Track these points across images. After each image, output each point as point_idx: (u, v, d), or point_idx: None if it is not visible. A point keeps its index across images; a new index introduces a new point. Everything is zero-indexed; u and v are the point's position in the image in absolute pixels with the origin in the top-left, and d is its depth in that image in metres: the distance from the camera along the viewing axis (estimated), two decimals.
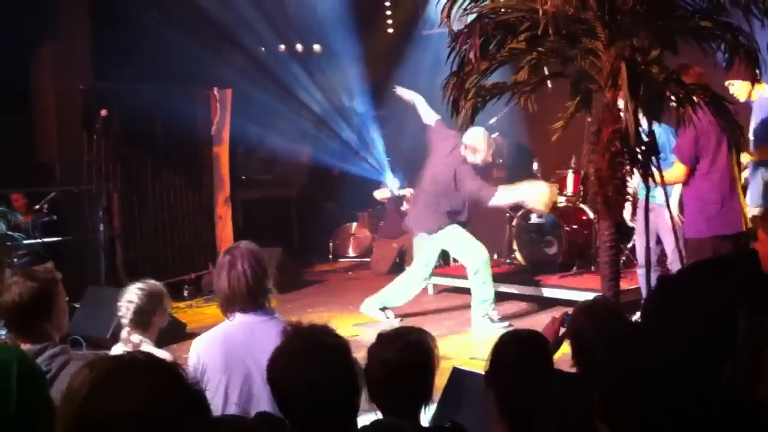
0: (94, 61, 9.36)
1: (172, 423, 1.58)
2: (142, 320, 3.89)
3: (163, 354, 3.69)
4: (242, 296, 3.54)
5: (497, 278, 8.88)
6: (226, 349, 3.53)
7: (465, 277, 9.17)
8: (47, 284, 3.40)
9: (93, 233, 8.47)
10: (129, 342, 3.86)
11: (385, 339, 2.79)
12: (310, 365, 2.34)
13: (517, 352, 2.75)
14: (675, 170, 5.71)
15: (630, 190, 5.29)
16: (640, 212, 6.14)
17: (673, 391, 1.57)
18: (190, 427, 1.61)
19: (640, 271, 6.70)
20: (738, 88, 5.91)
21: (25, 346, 3.23)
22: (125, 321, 3.90)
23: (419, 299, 8.19)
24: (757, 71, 4.37)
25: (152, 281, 4.07)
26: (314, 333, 2.49)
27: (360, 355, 2.57)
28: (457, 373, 4.13)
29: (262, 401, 3.32)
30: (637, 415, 1.59)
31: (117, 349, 3.83)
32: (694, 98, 4.26)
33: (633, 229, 7.24)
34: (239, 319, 3.55)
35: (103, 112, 8.48)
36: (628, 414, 1.61)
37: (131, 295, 3.91)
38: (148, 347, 3.85)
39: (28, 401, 2.15)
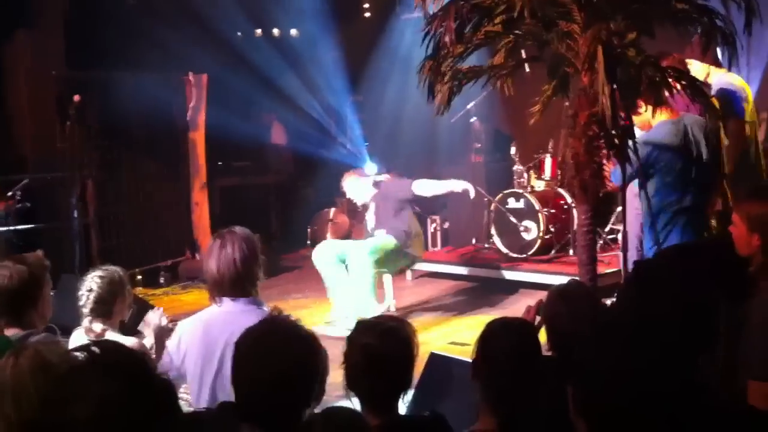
0: (68, 48, 9.23)
1: (136, 420, 1.55)
2: (102, 309, 3.76)
3: (129, 341, 3.65)
4: (230, 281, 3.48)
5: (477, 263, 8.92)
6: (205, 337, 3.48)
7: (443, 262, 9.23)
8: (37, 270, 3.38)
9: (67, 221, 8.37)
10: (91, 331, 3.73)
11: (365, 326, 2.76)
12: (276, 356, 2.32)
13: (508, 341, 2.69)
14: None
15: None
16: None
17: (652, 385, 1.54)
18: (154, 424, 1.58)
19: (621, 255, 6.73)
20: (697, 70, 5.91)
21: (10, 332, 3.19)
22: (86, 310, 3.77)
23: (397, 285, 8.16)
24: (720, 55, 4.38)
25: (113, 267, 3.92)
26: (285, 324, 2.46)
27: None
28: (435, 359, 4.10)
29: (233, 393, 3.28)
30: (614, 409, 1.56)
31: (78, 338, 3.73)
32: (671, 81, 4.24)
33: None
34: (225, 306, 3.50)
35: (77, 98, 8.35)
36: (606, 408, 1.58)
37: (91, 283, 3.78)
38: (112, 335, 3.74)
39: None
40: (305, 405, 2.35)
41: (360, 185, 7.78)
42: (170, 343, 3.61)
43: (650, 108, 4.71)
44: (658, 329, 1.86)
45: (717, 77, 6.09)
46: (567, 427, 1.77)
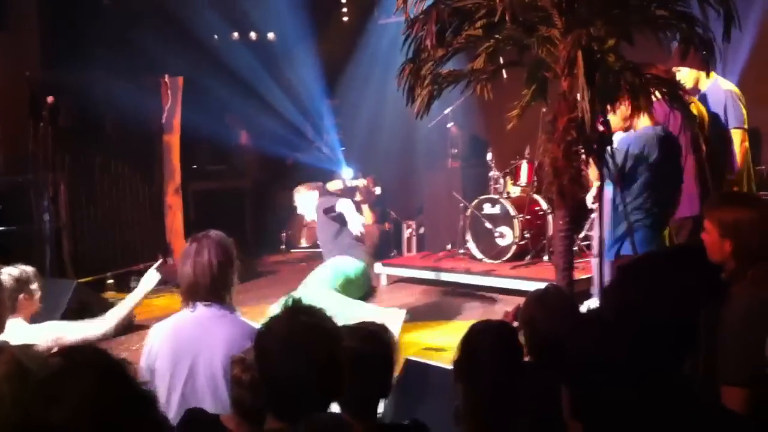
0: (42, 49, 9.13)
1: (112, 426, 1.51)
2: None
3: (37, 330, 3.85)
4: (206, 287, 3.46)
5: (452, 269, 8.90)
6: (175, 341, 3.46)
7: (418, 267, 9.21)
8: None
9: (38, 224, 8.25)
10: None
11: (347, 330, 2.76)
12: (304, 349, 2.28)
13: (491, 340, 2.70)
14: None
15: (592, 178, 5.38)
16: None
17: (644, 384, 1.53)
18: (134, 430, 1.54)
19: (594, 261, 6.75)
20: (685, 76, 5.97)
21: None
22: None
23: None
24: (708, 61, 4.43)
25: (24, 267, 4.05)
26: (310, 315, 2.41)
27: None
28: (410, 365, 4.08)
29: (205, 398, 3.25)
30: (610, 408, 1.55)
31: None
32: (650, 88, 4.25)
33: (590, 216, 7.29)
34: (198, 311, 3.47)
35: (50, 99, 8.25)
36: (601, 408, 1.56)
37: None
38: (19, 323, 3.85)
39: None
40: (333, 398, 2.35)
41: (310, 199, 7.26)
42: (144, 349, 3.57)
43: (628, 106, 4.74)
44: (645, 326, 1.85)
45: (709, 83, 6.14)
46: (553, 429, 1.76)
